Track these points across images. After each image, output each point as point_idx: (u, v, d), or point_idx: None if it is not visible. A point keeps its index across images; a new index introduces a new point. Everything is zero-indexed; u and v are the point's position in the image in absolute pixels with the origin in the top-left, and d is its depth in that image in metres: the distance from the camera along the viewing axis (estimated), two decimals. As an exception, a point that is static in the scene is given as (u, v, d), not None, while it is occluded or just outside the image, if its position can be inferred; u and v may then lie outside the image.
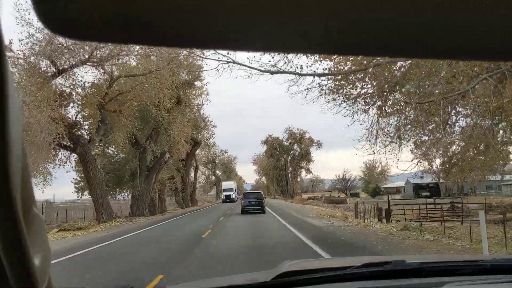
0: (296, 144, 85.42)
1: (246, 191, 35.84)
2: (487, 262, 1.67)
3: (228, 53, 11.69)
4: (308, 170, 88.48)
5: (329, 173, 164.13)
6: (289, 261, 1.87)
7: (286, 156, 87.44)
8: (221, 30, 0.43)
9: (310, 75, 12.31)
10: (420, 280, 1.57)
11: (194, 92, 32.61)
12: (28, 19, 17.41)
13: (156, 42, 0.46)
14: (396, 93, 13.19)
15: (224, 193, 65.77)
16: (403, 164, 31.76)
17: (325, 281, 1.56)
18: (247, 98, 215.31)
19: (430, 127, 13.07)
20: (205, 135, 49.16)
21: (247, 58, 27.82)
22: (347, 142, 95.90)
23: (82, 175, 26.07)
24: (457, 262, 1.78)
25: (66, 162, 23.30)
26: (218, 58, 12.23)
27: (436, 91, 11.12)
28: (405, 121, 13.37)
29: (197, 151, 51.82)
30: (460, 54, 0.51)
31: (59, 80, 20.49)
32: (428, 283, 1.54)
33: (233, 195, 64.55)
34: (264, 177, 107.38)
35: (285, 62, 11.78)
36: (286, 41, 0.46)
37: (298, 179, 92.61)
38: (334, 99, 13.27)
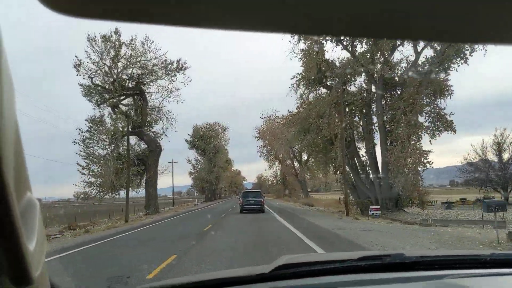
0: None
1: (245, 190, 37.93)
2: (486, 256, 1.65)
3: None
4: (445, 123, 25.16)
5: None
6: (287, 255, 1.84)
7: (366, 78, 28.02)
8: (227, 7, 0.43)
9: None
10: (419, 273, 1.54)
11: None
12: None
13: (160, 20, 0.45)
14: None
15: None
16: None
17: (323, 273, 1.54)
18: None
19: None
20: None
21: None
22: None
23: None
24: (456, 256, 1.75)
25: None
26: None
27: None
28: None
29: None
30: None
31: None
32: (427, 276, 1.51)
33: None
34: (277, 160, 55.35)
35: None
36: (290, 21, 0.45)
37: (417, 145, 24.28)
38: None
